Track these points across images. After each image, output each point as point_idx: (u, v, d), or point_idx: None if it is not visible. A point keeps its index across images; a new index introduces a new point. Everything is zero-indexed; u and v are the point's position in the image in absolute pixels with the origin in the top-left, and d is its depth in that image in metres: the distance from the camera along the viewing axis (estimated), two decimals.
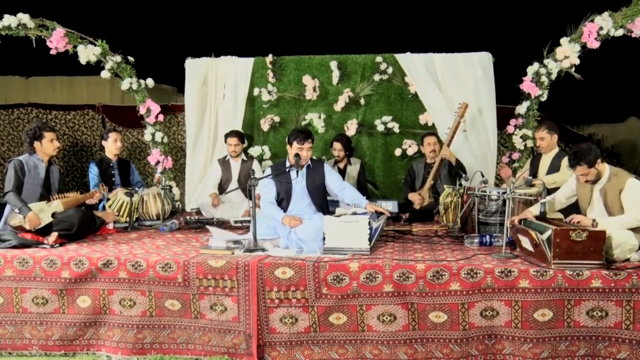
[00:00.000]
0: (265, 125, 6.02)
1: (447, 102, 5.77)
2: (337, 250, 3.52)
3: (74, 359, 3.39)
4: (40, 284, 3.45)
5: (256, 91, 6.04)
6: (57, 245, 3.79)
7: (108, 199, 4.88)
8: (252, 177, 3.79)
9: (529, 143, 5.51)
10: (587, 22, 5.14)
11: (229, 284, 3.28)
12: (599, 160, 3.47)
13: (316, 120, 5.98)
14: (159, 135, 5.94)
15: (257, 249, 3.61)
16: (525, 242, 3.42)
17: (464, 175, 4.65)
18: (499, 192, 4.06)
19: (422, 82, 5.81)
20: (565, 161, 4.64)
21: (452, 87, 5.79)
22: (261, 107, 6.09)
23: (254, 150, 6.01)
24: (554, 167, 4.71)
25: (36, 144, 4.20)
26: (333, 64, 5.93)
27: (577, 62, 5.27)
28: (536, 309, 3.07)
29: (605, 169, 3.54)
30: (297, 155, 4.07)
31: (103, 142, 5.36)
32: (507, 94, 6.04)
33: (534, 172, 4.81)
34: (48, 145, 4.23)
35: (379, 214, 4.09)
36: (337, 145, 5.57)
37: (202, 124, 6.09)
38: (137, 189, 5.02)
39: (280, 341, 3.27)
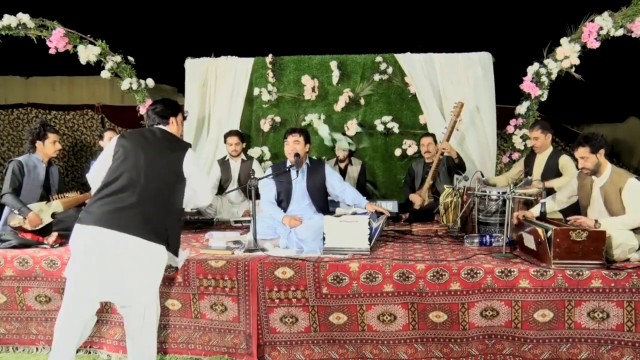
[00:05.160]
0: (265, 125, 6.02)
1: (446, 103, 5.78)
2: (337, 250, 3.52)
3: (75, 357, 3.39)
4: (41, 284, 3.45)
5: (256, 91, 6.04)
6: (57, 245, 3.79)
7: None
8: (252, 177, 3.79)
9: (529, 143, 5.51)
10: (587, 22, 5.15)
11: (229, 284, 3.28)
12: (602, 151, 3.48)
13: (316, 121, 5.98)
14: None
15: (257, 249, 3.61)
16: (529, 240, 3.41)
17: (463, 174, 4.65)
18: (499, 192, 4.06)
19: (421, 83, 5.81)
20: (565, 162, 4.65)
21: (452, 87, 5.79)
22: (260, 108, 6.09)
23: (254, 152, 6.01)
24: (549, 167, 4.72)
25: (38, 143, 4.20)
26: (333, 64, 5.94)
27: (577, 62, 5.27)
28: (536, 309, 3.07)
29: (607, 166, 3.54)
30: (297, 154, 4.07)
31: (100, 142, 5.38)
32: (507, 94, 6.05)
33: (528, 172, 4.82)
34: (50, 147, 4.23)
35: (379, 214, 4.09)
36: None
37: (202, 124, 6.09)
38: None
39: (280, 341, 3.27)
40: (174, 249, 2.97)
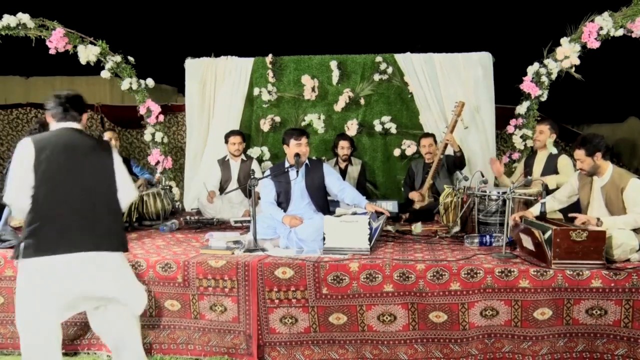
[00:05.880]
0: (265, 125, 6.02)
1: (446, 103, 5.78)
2: (337, 250, 3.52)
3: (74, 359, 3.39)
4: None
5: (256, 91, 6.04)
6: None
7: None
8: (252, 177, 3.79)
9: (529, 143, 5.51)
10: (587, 22, 5.15)
11: (229, 284, 3.28)
12: (598, 154, 3.47)
13: (316, 121, 5.98)
14: (159, 136, 5.94)
15: (257, 249, 3.61)
16: (527, 241, 3.42)
17: (463, 174, 4.64)
18: (499, 192, 4.06)
19: (420, 83, 5.81)
20: (563, 162, 4.65)
21: (452, 87, 5.79)
22: (260, 108, 6.09)
23: (254, 152, 6.01)
24: (548, 166, 4.71)
25: None
26: (333, 64, 5.93)
27: (577, 62, 5.27)
28: (536, 308, 3.08)
29: (607, 167, 3.54)
30: (297, 155, 4.07)
31: None
32: (507, 94, 6.04)
33: (528, 172, 4.82)
34: None
35: (379, 214, 4.09)
36: (344, 144, 5.57)
37: (202, 124, 6.10)
38: (144, 177, 5.31)
39: (280, 341, 3.27)
40: (125, 249, 2.80)
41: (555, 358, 3.08)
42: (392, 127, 5.93)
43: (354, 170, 5.65)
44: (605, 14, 5.07)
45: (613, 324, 3.04)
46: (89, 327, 3.39)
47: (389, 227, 4.49)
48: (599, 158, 3.49)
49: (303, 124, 6.01)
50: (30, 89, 9.38)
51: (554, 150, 4.78)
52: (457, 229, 4.26)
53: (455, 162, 5.14)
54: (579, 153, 3.51)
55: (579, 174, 3.75)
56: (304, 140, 4.14)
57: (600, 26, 5.07)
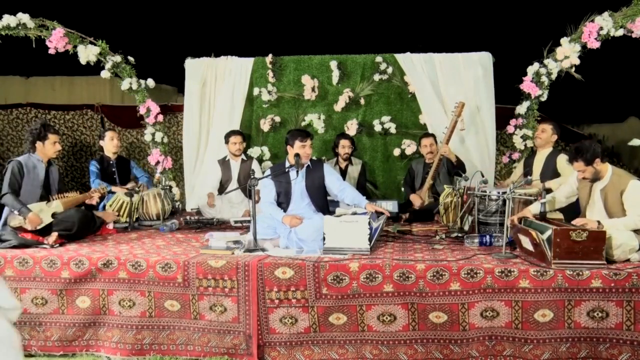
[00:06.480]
0: (265, 125, 6.02)
1: (446, 102, 5.77)
2: (337, 250, 3.52)
3: (73, 359, 3.39)
4: (40, 284, 3.44)
5: (256, 91, 6.03)
6: (57, 245, 3.79)
7: (113, 192, 4.91)
8: (252, 177, 3.79)
9: (529, 143, 5.51)
10: (587, 22, 5.14)
11: (228, 284, 3.28)
12: (597, 160, 3.46)
13: (316, 121, 5.98)
14: (159, 136, 5.93)
15: (257, 249, 3.61)
16: (526, 242, 3.42)
17: (463, 175, 4.64)
18: (499, 192, 4.05)
19: (421, 83, 5.81)
20: (563, 161, 4.65)
21: (452, 86, 5.79)
22: (260, 107, 6.09)
23: (254, 152, 6.01)
24: (548, 166, 4.71)
25: (38, 144, 4.20)
26: (333, 64, 5.93)
27: (577, 62, 5.27)
28: (536, 310, 3.07)
29: (606, 169, 3.53)
30: (297, 155, 4.07)
31: (101, 142, 5.41)
32: (507, 94, 6.04)
33: (528, 172, 4.82)
34: (50, 147, 4.23)
35: (379, 214, 4.09)
36: (345, 143, 5.58)
37: (202, 124, 6.09)
38: (142, 183, 5.18)
39: (280, 341, 3.27)
40: None
41: None
42: (392, 127, 5.94)
43: (354, 170, 5.65)
44: (605, 14, 5.07)
45: (615, 327, 3.02)
46: (87, 328, 3.41)
47: (389, 228, 4.49)
48: (599, 163, 3.48)
49: (303, 124, 6.00)
50: (30, 89, 9.36)
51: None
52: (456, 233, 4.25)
53: (456, 169, 5.13)
54: (578, 164, 3.49)
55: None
56: (308, 142, 4.17)
57: (600, 26, 5.07)
